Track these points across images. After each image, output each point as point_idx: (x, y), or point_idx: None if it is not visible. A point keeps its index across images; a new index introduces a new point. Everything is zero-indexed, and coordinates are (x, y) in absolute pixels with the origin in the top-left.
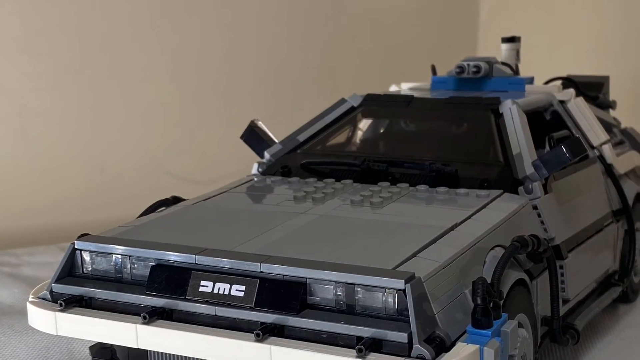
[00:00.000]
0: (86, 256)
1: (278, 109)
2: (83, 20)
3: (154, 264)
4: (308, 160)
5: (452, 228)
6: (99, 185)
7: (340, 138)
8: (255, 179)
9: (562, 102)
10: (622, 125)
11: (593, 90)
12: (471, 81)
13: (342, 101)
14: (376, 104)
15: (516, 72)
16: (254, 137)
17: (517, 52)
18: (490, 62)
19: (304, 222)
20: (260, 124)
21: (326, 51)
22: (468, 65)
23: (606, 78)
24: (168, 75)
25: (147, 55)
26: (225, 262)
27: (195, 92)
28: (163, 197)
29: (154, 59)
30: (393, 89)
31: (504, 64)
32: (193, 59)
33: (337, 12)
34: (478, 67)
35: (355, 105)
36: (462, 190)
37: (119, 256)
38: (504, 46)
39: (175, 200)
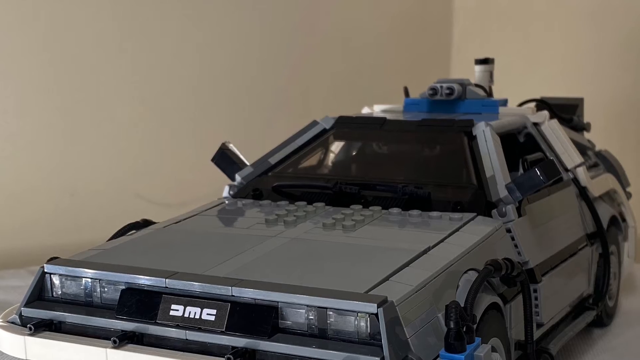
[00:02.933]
0: (56, 280)
1: (250, 131)
2: (52, 42)
3: (124, 287)
4: (280, 183)
5: (425, 251)
6: (69, 208)
7: (312, 160)
8: (227, 201)
9: (536, 124)
10: (597, 148)
11: (567, 112)
12: (444, 103)
13: (314, 123)
14: (348, 126)
15: (490, 94)
16: (225, 160)
17: (491, 74)
18: (464, 84)
19: (275, 245)
20: (232, 146)
21: (298, 73)
22: (441, 87)
23: (580, 100)
24: (138, 97)
25: (117, 78)
26: (196, 286)
27: (165, 115)
28: (133, 220)
29: (124, 81)
30: (365, 111)
31: (477, 85)
32: (163, 81)
33: (308, 34)
34: (451, 89)
35: (327, 127)
36: (435, 213)
37: (89, 280)
38: (478, 68)
39: (146, 223)
